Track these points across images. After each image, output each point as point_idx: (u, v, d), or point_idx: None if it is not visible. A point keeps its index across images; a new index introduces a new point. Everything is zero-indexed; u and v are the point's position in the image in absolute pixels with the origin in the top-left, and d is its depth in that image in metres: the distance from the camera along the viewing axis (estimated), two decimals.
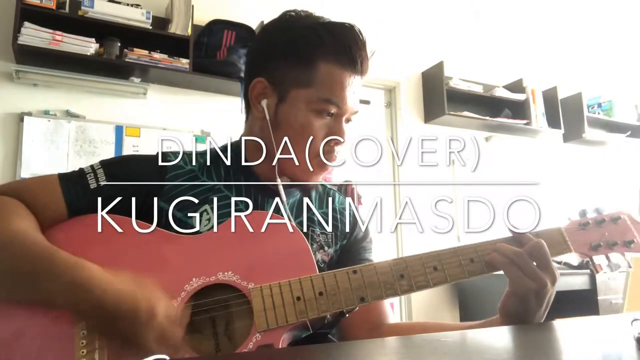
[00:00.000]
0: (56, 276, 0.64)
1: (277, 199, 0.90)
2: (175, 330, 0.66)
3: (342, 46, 0.85)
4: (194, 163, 0.88)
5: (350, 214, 1.01)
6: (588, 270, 0.79)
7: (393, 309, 3.09)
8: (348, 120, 0.90)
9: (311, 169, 0.87)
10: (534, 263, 0.76)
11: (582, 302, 2.94)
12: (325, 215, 0.97)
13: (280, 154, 0.86)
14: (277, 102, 0.87)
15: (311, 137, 0.85)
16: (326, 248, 0.93)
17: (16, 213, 0.72)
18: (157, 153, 0.88)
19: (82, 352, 0.64)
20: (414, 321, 0.87)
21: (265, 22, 0.98)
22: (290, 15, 0.89)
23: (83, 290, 0.63)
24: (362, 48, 0.86)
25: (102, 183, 0.80)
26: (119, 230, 0.75)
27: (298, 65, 0.85)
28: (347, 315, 0.74)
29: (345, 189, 2.96)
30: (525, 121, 3.67)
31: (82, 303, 0.63)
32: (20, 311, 0.67)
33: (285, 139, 0.85)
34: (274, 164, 0.86)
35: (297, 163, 0.86)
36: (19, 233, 0.69)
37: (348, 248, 0.97)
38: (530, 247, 0.77)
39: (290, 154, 0.86)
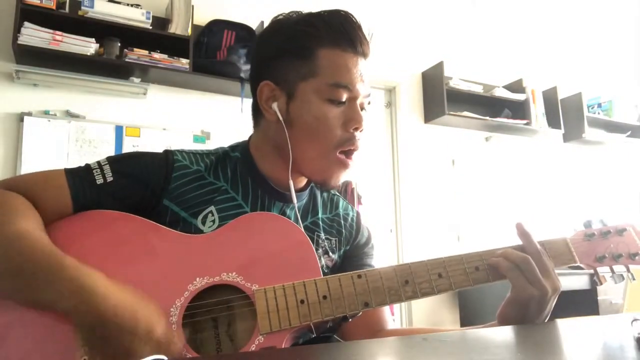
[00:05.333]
0: (59, 279, 0.63)
1: (283, 203, 0.89)
2: (172, 352, 0.64)
3: (337, 29, 0.84)
4: (200, 163, 0.87)
5: (353, 220, 1.00)
6: (588, 271, 0.79)
7: (392, 310, 3.09)
8: (362, 107, 0.87)
9: (333, 163, 0.85)
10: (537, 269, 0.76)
11: (582, 302, 2.94)
12: (329, 221, 0.96)
13: (299, 152, 0.85)
14: (287, 101, 0.85)
15: (328, 128, 0.83)
16: (330, 253, 0.92)
17: (21, 212, 0.72)
18: (164, 151, 0.88)
19: None
20: (413, 327, 0.84)
21: (265, 23, 0.98)
22: (280, 17, 0.90)
23: (85, 294, 0.62)
24: (358, 29, 0.85)
25: (109, 179, 0.80)
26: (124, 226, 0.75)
27: (299, 59, 0.84)
28: (350, 320, 0.74)
29: (345, 189, 2.96)
30: (525, 121, 3.67)
31: (82, 307, 0.61)
32: (20, 320, 0.66)
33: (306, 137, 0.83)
34: (290, 165, 0.85)
35: (315, 159, 0.85)
36: (24, 233, 0.68)
37: (350, 253, 0.97)
38: (533, 253, 0.77)
39: (308, 152, 0.85)
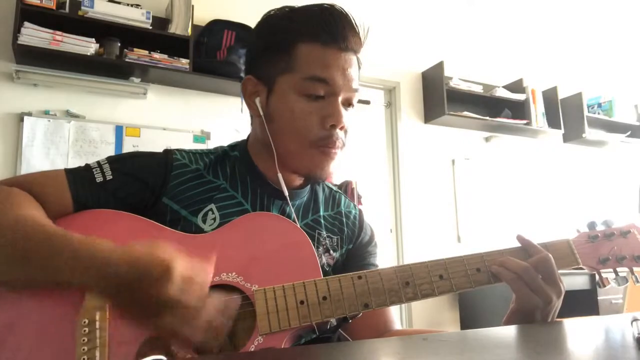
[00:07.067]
0: (73, 253, 0.63)
1: (282, 201, 0.89)
2: (203, 295, 0.62)
3: (318, 23, 0.82)
4: (199, 162, 0.87)
5: (356, 217, 0.99)
6: (589, 271, 0.78)
7: None
8: (348, 104, 0.85)
9: (313, 156, 0.83)
10: (540, 277, 0.75)
11: (582, 302, 2.94)
12: (331, 218, 0.95)
13: (280, 147, 0.84)
14: (267, 96, 0.85)
15: (303, 123, 0.81)
16: (332, 251, 0.92)
17: (27, 202, 0.72)
18: (164, 150, 0.88)
19: (83, 350, 0.64)
20: (420, 328, 0.83)
21: None
22: (268, 13, 0.89)
23: (100, 262, 0.62)
24: (344, 23, 0.82)
25: (108, 177, 0.80)
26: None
27: (278, 53, 0.83)
28: (350, 320, 0.74)
29: (345, 189, 2.96)
30: (525, 121, 3.67)
31: (99, 276, 0.61)
32: (21, 305, 0.67)
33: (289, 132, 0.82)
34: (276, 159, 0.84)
35: (296, 154, 0.83)
36: (30, 218, 0.68)
37: (354, 252, 0.96)
38: (536, 260, 0.76)
39: (288, 147, 0.84)
